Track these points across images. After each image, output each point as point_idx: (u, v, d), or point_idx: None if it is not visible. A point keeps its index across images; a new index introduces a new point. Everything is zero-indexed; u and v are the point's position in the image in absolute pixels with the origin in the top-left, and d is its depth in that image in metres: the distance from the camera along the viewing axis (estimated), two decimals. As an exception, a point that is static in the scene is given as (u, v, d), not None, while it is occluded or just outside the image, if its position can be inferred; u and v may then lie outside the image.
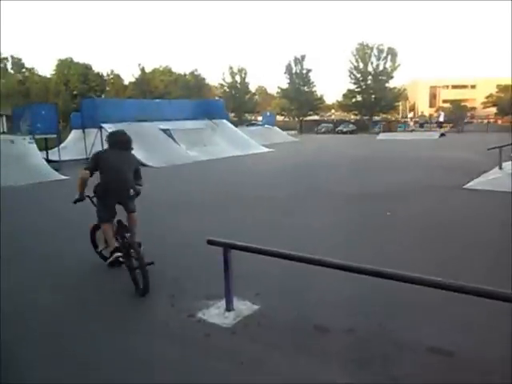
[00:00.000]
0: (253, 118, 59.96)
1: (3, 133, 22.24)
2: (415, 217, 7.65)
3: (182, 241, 6.35)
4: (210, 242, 3.97)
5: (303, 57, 52.13)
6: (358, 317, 3.76)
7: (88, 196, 5.05)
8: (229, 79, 56.84)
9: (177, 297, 4.35)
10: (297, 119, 54.62)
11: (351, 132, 46.70)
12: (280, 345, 3.35)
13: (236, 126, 30.52)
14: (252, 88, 61.58)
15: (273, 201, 9.47)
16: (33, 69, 66.12)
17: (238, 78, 57.20)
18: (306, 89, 52.60)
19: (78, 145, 21.64)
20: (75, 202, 5.03)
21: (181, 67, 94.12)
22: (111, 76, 65.40)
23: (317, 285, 4.38)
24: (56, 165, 17.12)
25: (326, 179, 12.65)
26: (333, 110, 69.42)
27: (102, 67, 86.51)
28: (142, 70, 60.78)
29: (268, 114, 39.30)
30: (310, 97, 52.80)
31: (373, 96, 49.93)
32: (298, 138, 36.52)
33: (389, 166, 15.70)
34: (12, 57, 65.69)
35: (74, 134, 25.12)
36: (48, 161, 17.21)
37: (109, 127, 19.34)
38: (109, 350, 3.43)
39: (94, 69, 62.80)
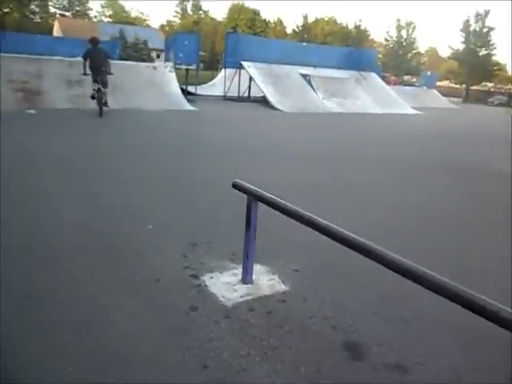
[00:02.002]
0: (414, 80, 54.26)
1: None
2: None
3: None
4: (235, 186, 2.87)
5: (487, 12, 43.93)
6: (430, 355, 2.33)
7: (86, 73, 10.88)
8: (394, 33, 51.79)
9: (199, 247, 3.42)
10: (464, 86, 47.34)
11: (533, 108, 38.99)
12: (278, 358, 2.17)
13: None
14: (422, 49, 55.39)
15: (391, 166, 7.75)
16: (208, 11, 70.45)
17: (404, 33, 51.75)
18: (483, 51, 44.74)
19: (223, 83, 21.70)
20: (83, 75, 11.02)
21: (346, 19, 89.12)
22: (276, 23, 65.86)
23: (380, 280, 2.99)
24: (192, 97, 17.40)
25: (476, 153, 10.13)
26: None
27: (269, 14, 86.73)
28: (305, 17, 59.41)
29: (428, 73, 34.52)
30: (486, 61, 44.84)
31: None
32: (460, 107, 31.56)
33: None
34: (192, -1, 70.72)
35: (223, 73, 25.44)
36: (187, 92, 17.57)
37: (247, 65, 18.90)
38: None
39: (261, 15, 63.92)
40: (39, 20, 59.12)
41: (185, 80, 18.22)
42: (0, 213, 3.80)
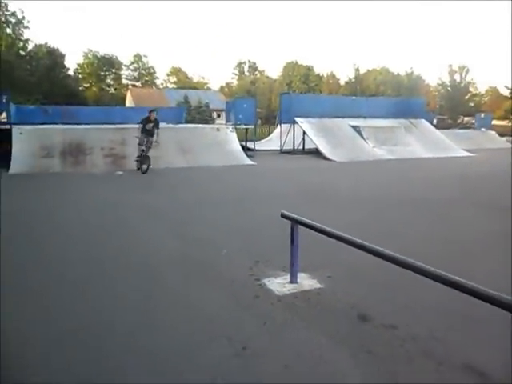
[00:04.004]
0: (473, 121, 53.65)
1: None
2: None
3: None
4: (283, 216, 4.19)
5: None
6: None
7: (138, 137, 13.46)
8: (446, 78, 52.42)
9: (260, 263, 4.73)
10: (527, 124, 46.19)
11: None
12: (311, 325, 3.36)
13: (446, 128, 28.02)
14: (482, 89, 55.26)
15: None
16: (263, 71, 75.53)
17: (457, 77, 52.20)
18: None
19: (279, 138, 23.60)
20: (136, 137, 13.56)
21: (398, 67, 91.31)
22: (329, 77, 68.81)
23: (400, 288, 4.09)
24: (251, 153, 19.30)
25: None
26: None
27: (322, 68, 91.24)
28: (357, 69, 61.77)
29: (482, 115, 34.65)
30: (547, 98, 43.96)
31: None
32: (519, 146, 31.14)
33: None
34: (249, 61, 76.49)
35: (279, 129, 27.57)
36: (247, 148, 19.53)
37: (300, 121, 20.66)
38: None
39: (314, 70, 67.33)
40: (114, 91, 66.45)
41: (244, 137, 20.31)
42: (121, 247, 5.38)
